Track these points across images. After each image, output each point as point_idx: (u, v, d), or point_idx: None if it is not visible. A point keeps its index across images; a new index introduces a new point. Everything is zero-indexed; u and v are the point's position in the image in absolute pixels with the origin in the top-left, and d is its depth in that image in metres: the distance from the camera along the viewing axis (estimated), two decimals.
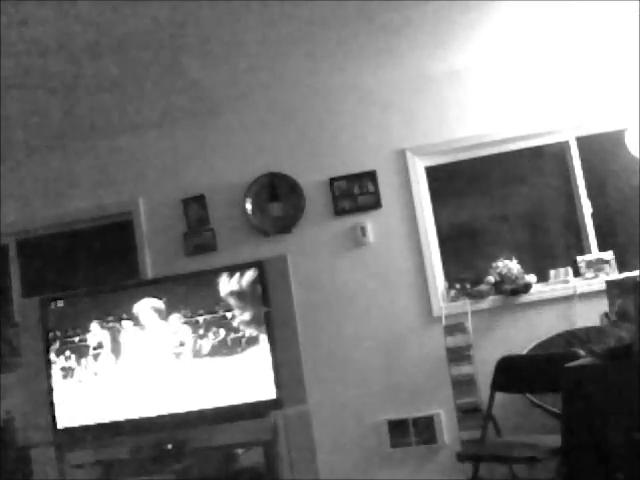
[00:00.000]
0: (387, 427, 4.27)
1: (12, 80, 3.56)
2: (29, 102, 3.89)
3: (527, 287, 4.20)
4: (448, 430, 4.20)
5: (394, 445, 4.25)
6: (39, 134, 4.44)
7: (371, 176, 4.43)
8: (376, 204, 4.42)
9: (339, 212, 4.45)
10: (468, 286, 4.30)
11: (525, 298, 4.20)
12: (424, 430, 4.24)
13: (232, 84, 4.14)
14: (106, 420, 3.98)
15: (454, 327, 4.20)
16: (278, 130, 4.58)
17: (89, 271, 4.81)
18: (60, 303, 4.17)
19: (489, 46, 4.15)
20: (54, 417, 4.06)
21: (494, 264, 4.29)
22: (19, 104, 3.88)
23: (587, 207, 4.39)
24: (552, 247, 4.51)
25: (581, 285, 4.16)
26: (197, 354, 3.91)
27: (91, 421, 4.01)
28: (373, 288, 4.38)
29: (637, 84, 4.20)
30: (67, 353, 4.08)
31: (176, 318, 3.98)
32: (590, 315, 4.00)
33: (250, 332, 3.87)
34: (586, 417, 2.75)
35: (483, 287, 4.25)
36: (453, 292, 4.33)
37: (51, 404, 4.06)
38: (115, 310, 4.06)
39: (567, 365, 2.93)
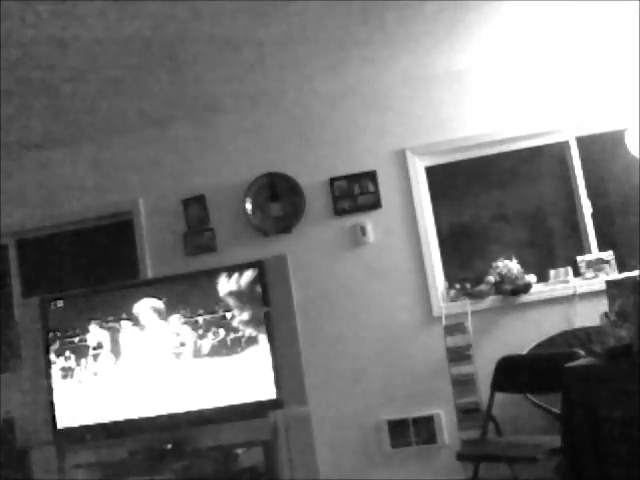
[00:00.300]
0: (387, 427, 4.26)
1: (12, 78, 3.55)
2: (28, 102, 3.89)
3: (527, 287, 4.20)
4: (448, 430, 4.20)
5: (394, 445, 4.24)
6: (38, 133, 4.44)
7: (371, 176, 4.43)
8: (376, 204, 4.42)
9: (339, 212, 4.45)
10: (468, 286, 4.29)
11: (525, 298, 4.20)
12: (424, 430, 4.23)
13: (232, 84, 4.14)
14: (106, 420, 3.98)
15: (454, 327, 4.20)
16: (278, 130, 4.58)
17: (89, 271, 4.81)
18: (60, 303, 4.17)
19: (489, 46, 4.15)
20: (54, 417, 4.06)
21: (494, 264, 4.29)
22: (18, 104, 3.89)
23: (587, 207, 4.39)
24: (552, 247, 4.51)
25: (581, 285, 4.16)
26: (197, 354, 3.91)
27: (91, 421, 4.01)
28: (373, 288, 4.38)
29: (637, 84, 4.19)
30: (67, 353, 4.08)
31: (176, 318, 3.98)
32: (590, 315, 4.00)
33: (250, 332, 3.87)
34: (586, 417, 2.75)
35: (483, 287, 4.25)
36: (453, 292, 4.33)
37: (51, 404, 4.07)
38: (115, 310, 4.07)
39: (567, 365, 2.92)
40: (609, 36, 4.24)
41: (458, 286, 4.32)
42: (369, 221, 4.41)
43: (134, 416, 3.93)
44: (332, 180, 4.46)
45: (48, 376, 4.10)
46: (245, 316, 3.88)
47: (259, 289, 3.88)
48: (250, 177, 4.53)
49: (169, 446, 3.93)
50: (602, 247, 4.32)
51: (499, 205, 4.57)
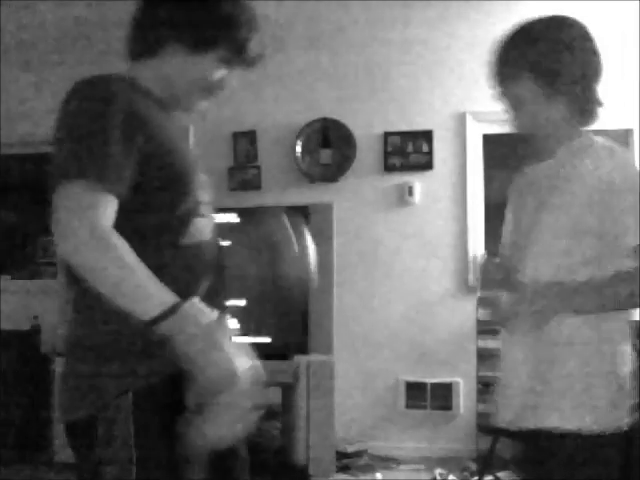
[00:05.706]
0: (404, 388, 4.28)
1: None
2: None
3: None
4: (464, 400, 4.20)
5: (409, 406, 4.27)
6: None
7: (427, 136, 4.34)
8: (427, 165, 4.33)
9: (389, 168, 4.37)
10: None
11: None
12: (440, 396, 4.25)
13: (301, 24, 4.06)
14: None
15: (488, 300, 4.14)
16: (338, 76, 4.46)
17: None
18: None
19: None
20: None
21: None
22: None
23: None
24: None
25: None
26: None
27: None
28: (412, 249, 4.33)
29: None
30: None
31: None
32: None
33: None
34: None
35: None
36: None
37: None
38: None
39: None
40: None
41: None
42: (418, 182, 4.34)
43: None
44: (386, 134, 4.37)
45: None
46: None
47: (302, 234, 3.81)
48: (304, 120, 4.44)
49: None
50: None
51: None
